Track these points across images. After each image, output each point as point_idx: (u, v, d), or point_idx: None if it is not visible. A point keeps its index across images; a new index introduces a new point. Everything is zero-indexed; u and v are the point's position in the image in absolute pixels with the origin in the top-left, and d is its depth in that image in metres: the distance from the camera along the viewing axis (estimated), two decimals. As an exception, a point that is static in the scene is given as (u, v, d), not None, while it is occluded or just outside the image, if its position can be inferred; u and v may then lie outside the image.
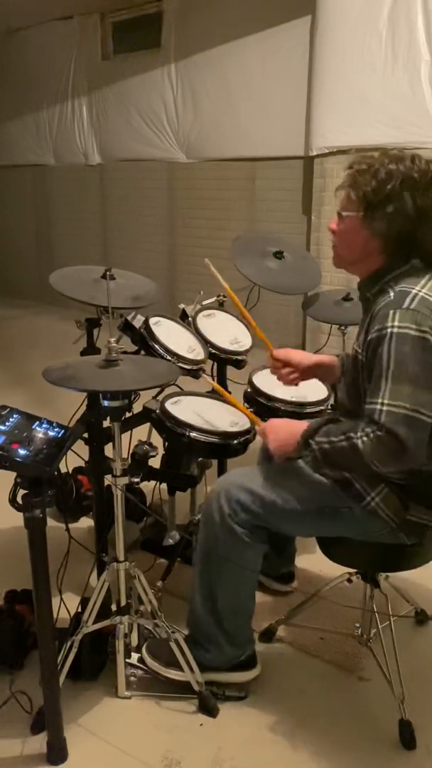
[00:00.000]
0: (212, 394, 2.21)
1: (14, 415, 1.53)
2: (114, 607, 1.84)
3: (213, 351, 2.33)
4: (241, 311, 2.16)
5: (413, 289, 1.46)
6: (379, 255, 1.54)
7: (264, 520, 1.66)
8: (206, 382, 2.10)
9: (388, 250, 1.52)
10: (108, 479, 1.75)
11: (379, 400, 1.39)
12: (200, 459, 2.18)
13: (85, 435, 2.01)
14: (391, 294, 1.48)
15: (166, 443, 2.06)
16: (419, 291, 1.45)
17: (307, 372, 1.90)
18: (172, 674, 1.81)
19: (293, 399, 2.17)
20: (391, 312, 1.42)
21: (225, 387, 2.40)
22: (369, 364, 1.48)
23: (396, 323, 1.40)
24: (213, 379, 2.41)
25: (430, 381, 1.39)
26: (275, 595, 2.24)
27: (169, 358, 2.08)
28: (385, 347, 1.41)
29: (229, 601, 1.75)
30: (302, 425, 1.59)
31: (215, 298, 2.60)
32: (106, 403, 1.64)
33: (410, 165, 1.47)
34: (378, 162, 1.49)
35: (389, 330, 1.41)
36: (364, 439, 1.40)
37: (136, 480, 1.82)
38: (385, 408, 1.38)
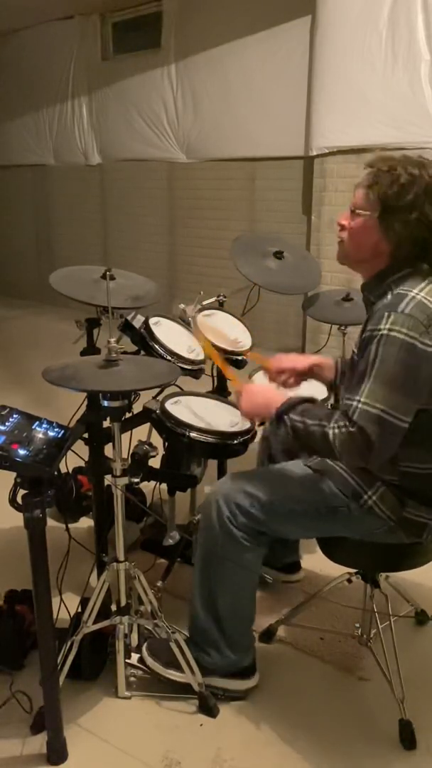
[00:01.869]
0: (212, 394, 2.21)
1: (14, 415, 1.53)
2: (114, 607, 1.84)
3: (213, 351, 2.33)
4: (220, 365, 2.13)
5: (411, 292, 1.46)
6: (386, 257, 1.54)
7: (263, 522, 1.66)
8: (206, 383, 2.10)
9: (397, 254, 1.52)
10: (108, 479, 1.75)
11: (357, 398, 1.42)
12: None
13: (85, 435, 2.01)
14: (389, 296, 1.49)
15: (166, 443, 2.06)
16: (417, 294, 1.45)
17: (302, 374, 1.92)
18: (172, 674, 1.81)
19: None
20: (386, 314, 1.43)
21: (225, 387, 2.40)
22: (358, 362, 1.49)
23: (388, 326, 1.41)
24: (213, 380, 2.42)
25: (409, 386, 1.41)
26: (275, 595, 2.24)
27: (169, 358, 2.08)
28: (374, 348, 1.42)
29: (230, 605, 1.75)
30: (280, 397, 1.61)
31: (215, 298, 2.60)
32: (106, 403, 1.63)
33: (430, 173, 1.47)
34: (400, 165, 1.48)
35: (380, 332, 1.42)
36: (336, 431, 1.43)
37: (136, 480, 1.81)
38: (360, 406, 1.41)
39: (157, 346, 2.10)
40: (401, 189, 1.46)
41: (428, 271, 1.53)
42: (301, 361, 1.91)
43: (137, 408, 1.95)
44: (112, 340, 1.67)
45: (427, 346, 1.40)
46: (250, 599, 1.79)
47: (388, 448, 1.44)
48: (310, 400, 1.59)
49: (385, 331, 1.41)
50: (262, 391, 1.72)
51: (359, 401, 1.41)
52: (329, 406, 2.19)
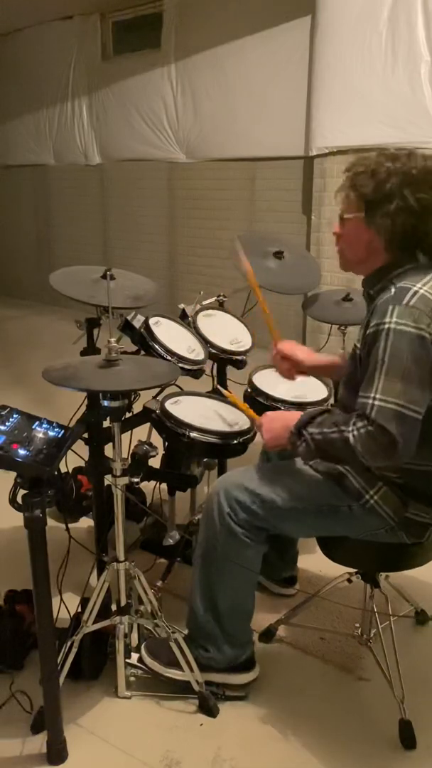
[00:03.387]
0: (212, 394, 2.21)
1: (14, 415, 1.53)
2: (114, 607, 1.84)
3: (213, 351, 2.33)
4: (257, 295, 2.13)
5: (414, 286, 1.46)
6: (383, 253, 1.55)
7: (263, 519, 1.66)
8: (206, 382, 2.10)
9: (392, 247, 1.53)
10: (108, 479, 1.75)
11: (372, 395, 1.40)
12: (206, 459, 2.18)
13: (85, 435, 2.01)
14: (392, 290, 1.48)
15: (166, 443, 2.06)
16: (420, 288, 1.45)
17: (307, 372, 1.91)
18: (172, 674, 1.81)
19: (293, 399, 2.17)
20: (390, 308, 1.43)
21: (225, 387, 2.40)
22: (365, 359, 1.49)
23: (394, 319, 1.41)
24: (213, 380, 2.42)
25: (423, 378, 1.40)
26: (275, 596, 2.24)
27: (169, 358, 2.08)
28: (382, 343, 1.41)
29: (229, 601, 1.75)
30: (296, 416, 1.60)
31: (215, 298, 2.60)
32: (106, 403, 1.64)
33: (407, 162, 1.49)
34: (375, 162, 1.51)
35: (386, 326, 1.41)
36: (355, 433, 1.41)
37: (136, 480, 1.82)
38: (376, 403, 1.39)
39: (157, 346, 2.10)
40: (378, 183, 1.48)
41: (429, 265, 1.53)
42: (309, 359, 1.91)
43: (137, 408, 1.95)
44: (112, 340, 1.67)
45: None
46: (249, 595, 1.80)
47: (410, 442, 1.40)
48: (326, 411, 1.57)
49: (392, 325, 1.40)
50: (278, 416, 1.70)
51: (374, 398, 1.39)
52: (329, 406, 2.19)
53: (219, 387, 2.27)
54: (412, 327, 1.39)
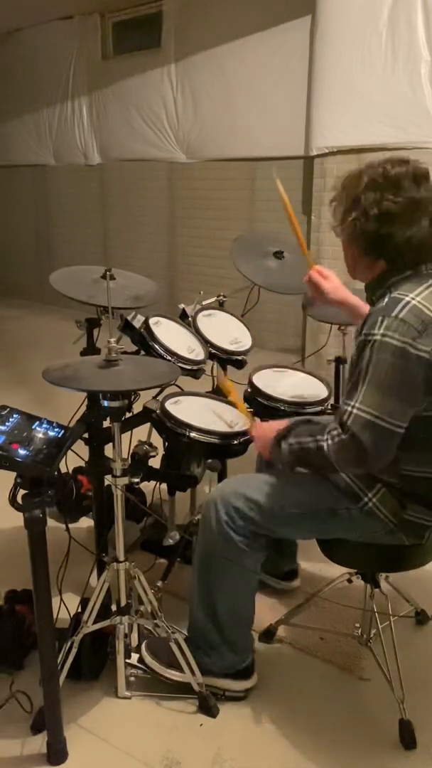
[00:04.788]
0: (212, 394, 2.21)
1: (14, 415, 1.53)
2: (114, 607, 1.84)
3: (213, 351, 2.33)
4: (290, 215, 2.16)
5: (406, 296, 1.45)
6: (364, 259, 1.56)
7: (261, 526, 1.66)
8: (206, 382, 2.10)
9: (368, 253, 1.54)
10: (108, 479, 1.75)
11: (352, 403, 1.43)
12: (210, 461, 2.18)
13: (85, 435, 2.01)
14: (386, 299, 1.48)
15: (166, 443, 2.06)
16: (413, 299, 1.44)
17: (334, 303, 1.93)
18: (172, 674, 1.81)
19: (293, 399, 2.17)
20: (380, 319, 1.43)
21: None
22: (354, 366, 1.50)
23: (381, 331, 1.42)
24: (213, 380, 2.42)
25: (402, 391, 1.42)
26: (275, 596, 2.24)
27: (169, 358, 2.08)
28: (368, 353, 1.43)
29: (229, 608, 1.75)
30: (282, 426, 1.63)
31: (215, 298, 2.60)
32: (106, 403, 1.64)
33: (376, 169, 1.50)
34: (357, 173, 1.53)
35: (374, 337, 1.42)
36: (329, 441, 1.46)
37: (136, 480, 1.82)
38: (354, 411, 1.42)
39: (157, 346, 2.10)
40: (352, 193, 1.51)
41: (428, 274, 1.52)
42: (335, 292, 1.91)
43: (137, 408, 1.95)
44: (112, 340, 1.67)
45: (421, 351, 1.40)
46: (248, 602, 1.79)
47: (383, 452, 1.45)
48: (307, 421, 1.61)
49: (378, 337, 1.42)
50: (266, 427, 1.74)
51: (353, 406, 1.43)
52: (329, 406, 2.19)
53: (221, 377, 2.26)
54: (397, 340, 1.40)
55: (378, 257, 1.53)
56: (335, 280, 1.93)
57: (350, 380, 1.53)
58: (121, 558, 1.78)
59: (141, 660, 1.84)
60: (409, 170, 1.48)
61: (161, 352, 2.09)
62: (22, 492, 1.45)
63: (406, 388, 1.42)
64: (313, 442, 1.49)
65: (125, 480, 1.72)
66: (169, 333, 2.20)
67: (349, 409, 1.43)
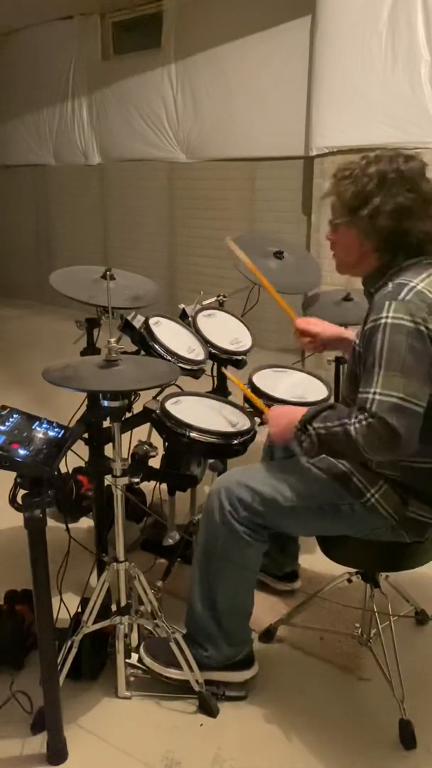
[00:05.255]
0: (212, 394, 2.21)
1: (14, 415, 1.53)
2: (114, 607, 1.84)
3: (213, 351, 2.33)
4: (266, 287, 2.19)
5: (411, 281, 1.47)
6: (374, 254, 1.57)
7: (264, 518, 1.66)
8: (206, 382, 2.10)
9: (381, 248, 1.55)
10: (108, 479, 1.75)
11: (372, 389, 1.40)
12: (211, 461, 2.18)
13: (85, 435, 2.01)
14: (390, 286, 1.49)
15: (166, 443, 2.06)
16: (417, 284, 1.46)
17: (327, 343, 1.97)
18: (172, 674, 1.81)
19: (293, 399, 2.17)
20: (387, 303, 1.44)
21: (225, 387, 2.40)
22: (364, 354, 1.49)
23: (391, 314, 1.42)
24: (213, 380, 2.42)
25: (421, 371, 1.41)
26: (275, 595, 2.24)
27: (169, 358, 2.08)
28: (379, 337, 1.42)
29: (229, 600, 1.75)
30: (302, 411, 1.59)
31: (215, 298, 2.60)
32: (106, 403, 1.64)
33: (387, 165, 1.51)
34: (358, 166, 1.54)
35: (383, 320, 1.42)
36: (356, 425, 1.41)
37: (136, 480, 1.81)
38: (377, 397, 1.39)
39: (157, 346, 2.10)
40: (358, 188, 1.52)
41: (429, 263, 1.54)
42: (327, 330, 1.95)
43: (137, 408, 1.96)
44: (112, 340, 1.67)
45: (431, 331, 1.41)
46: (249, 594, 1.80)
47: (412, 435, 1.40)
48: (332, 406, 1.56)
49: (389, 320, 1.41)
50: (285, 411, 1.71)
51: (374, 392, 1.39)
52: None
53: (227, 374, 2.27)
54: (409, 321, 1.40)
55: (394, 251, 1.54)
56: (321, 322, 1.98)
57: (359, 370, 1.52)
58: (121, 558, 1.78)
59: (140, 660, 1.84)
60: (418, 165, 1.52)
61: (161, 352, 2.09)
62: (22, 492, 1.45)
63: (424, 367, 1.41)
64: (341, 426, 1.43)
65: (125, 480, 1.72)
66: (169, 333, 2.20)
67: (370, 396, 1.39)
